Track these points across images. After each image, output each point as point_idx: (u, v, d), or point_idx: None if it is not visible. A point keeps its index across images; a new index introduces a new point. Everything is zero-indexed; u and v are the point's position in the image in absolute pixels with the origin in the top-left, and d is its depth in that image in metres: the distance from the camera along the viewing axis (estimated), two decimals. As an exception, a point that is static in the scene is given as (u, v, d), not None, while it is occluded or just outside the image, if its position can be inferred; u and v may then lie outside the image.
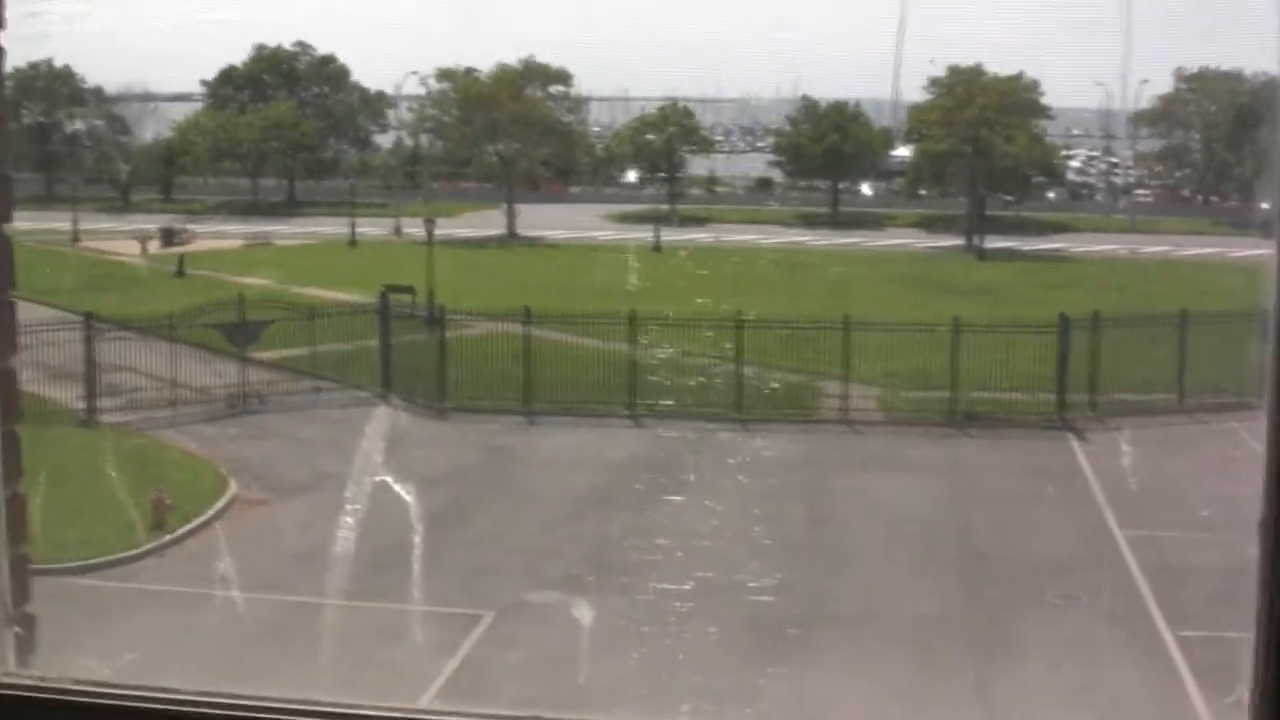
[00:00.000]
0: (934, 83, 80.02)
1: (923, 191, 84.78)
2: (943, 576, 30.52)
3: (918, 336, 44.17)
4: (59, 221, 72.44)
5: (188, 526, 32.44)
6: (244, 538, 32.41)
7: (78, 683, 3.48)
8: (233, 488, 35.29)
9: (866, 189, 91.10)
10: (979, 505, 35.09)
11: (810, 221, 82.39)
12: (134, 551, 30.76)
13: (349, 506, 31.61)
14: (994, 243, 73.75)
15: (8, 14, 3.33)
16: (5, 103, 3.43)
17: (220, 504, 34.17)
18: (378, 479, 32.02)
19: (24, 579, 3.53)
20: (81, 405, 40.93)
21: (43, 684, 3.53)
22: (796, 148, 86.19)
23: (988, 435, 41.04)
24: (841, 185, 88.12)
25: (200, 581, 29.11)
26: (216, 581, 28.73)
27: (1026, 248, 74.60)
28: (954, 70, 78.62)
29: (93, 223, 75.57)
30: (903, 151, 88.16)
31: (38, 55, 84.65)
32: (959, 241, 75.94)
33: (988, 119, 75.31)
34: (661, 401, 41.87)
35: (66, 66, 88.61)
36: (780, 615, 27.62)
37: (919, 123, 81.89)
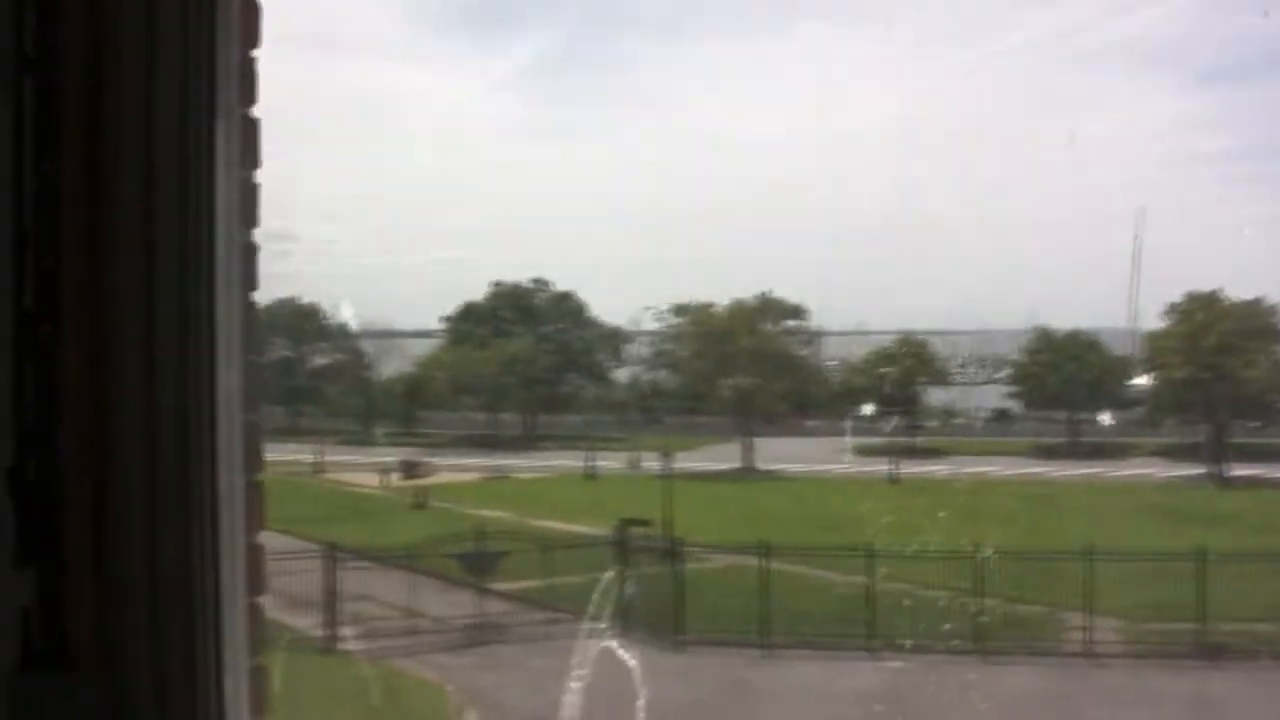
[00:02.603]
0: (1171, 309, 79.22)
1: (1164, 420, 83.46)
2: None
3: (1161, 566, 43.00)
4: (302, 453, 74.13)
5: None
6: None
7: None
8: (471, 718, 35.30)
9: (1105, 418, 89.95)
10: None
11: (1048, 452, 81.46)
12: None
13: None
14: (1239, 470, 72.16)
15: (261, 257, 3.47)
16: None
17: (458, 734, 34.24)
18: (613, 710, 31.80)
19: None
20: (321, 633, 41.35)
21: None
22: (1033, 377, 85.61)
23: (1237, 668, 39.63)
24: (1080, 415, 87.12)
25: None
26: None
27: (1273, 474, 72.82)
28: (1191, 296, 77.82)
29: (335, 454, 77.22)
30: (1141, 380, 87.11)
31: (285, 292, 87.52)
32: (1202, 470, 74.47)
33: (1228, 345, 74.10)
34: (900, 635, 41.33)
35: (313, 303, 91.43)
36: None
37: (1157, 350, 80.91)
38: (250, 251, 3.44)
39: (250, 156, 3.42)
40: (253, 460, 3.46)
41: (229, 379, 3.29)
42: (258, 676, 3.37)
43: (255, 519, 3.45)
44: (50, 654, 3.17)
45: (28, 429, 3.10)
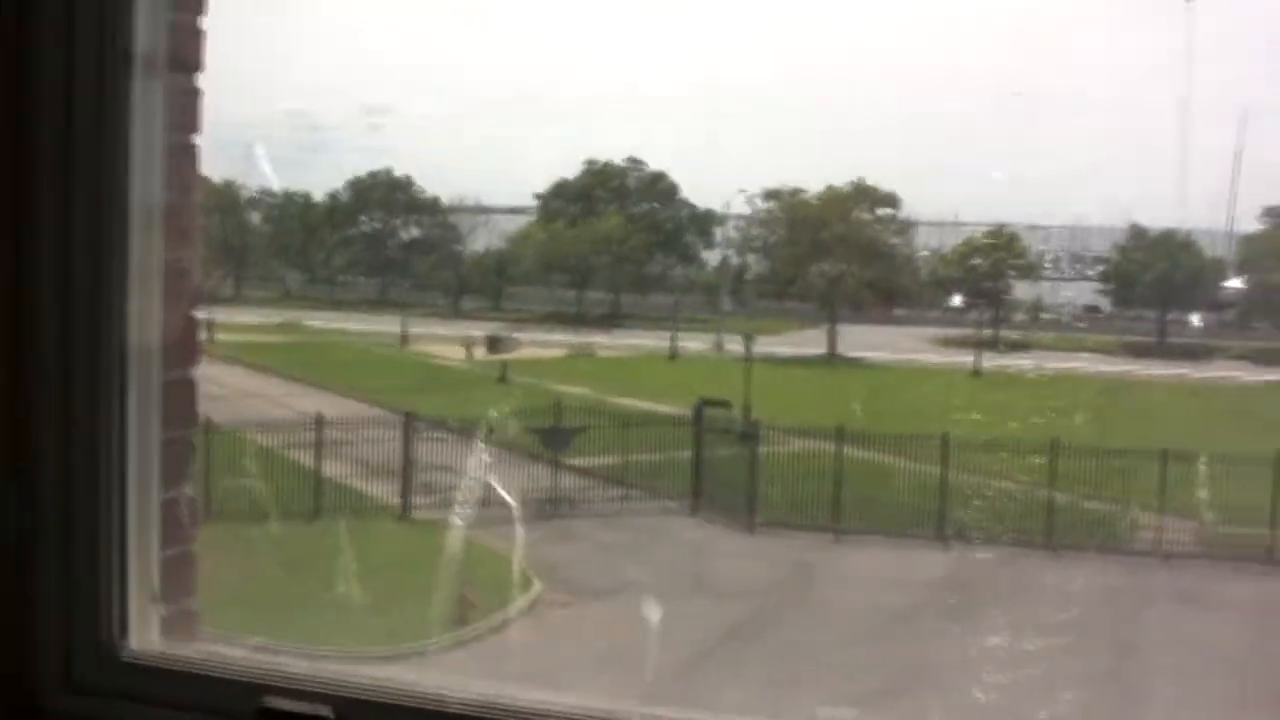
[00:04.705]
0: (1269, 213, 78.22)
1: (1254, 324, 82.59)
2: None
3: (1238, 470, 42.72)
4: (389, 325, 74.58)
5: (491, 623, 32.92)
6: (546, 637, 32.78)
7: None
8: (537, 588, 35.73)
9: (1195, 319, 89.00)
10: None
11: (1135, 351, 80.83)
12: (434, 644, 31.31)
13: (650, 613, 31.81)
14: (1329, 377, 71.43)
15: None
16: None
17: (524, 603, 34.63)
18: (679, 588, 32.14)
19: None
20: (397, 501, 41.91)
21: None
22: (1124, 275, 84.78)
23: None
24: (1169, 315, 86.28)
25: (498, 678, 29.45)
26: (515, 679, 29.04)
27: (1363, 381, 72.00)
28: (1291, 198, 76.91)
29: (422, 327, 77.55)
30: (1235, 282, 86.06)
31: (378, 165, 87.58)
32: (1289, 375, 73.77)
33: (1325, 250, 73.30)
34: (970, 525, 41.38)
35: (406, 176, 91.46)
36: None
37: (1252, 253, 79.99)
38: (188, 152, 3.59)
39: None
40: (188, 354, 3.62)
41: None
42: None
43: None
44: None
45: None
